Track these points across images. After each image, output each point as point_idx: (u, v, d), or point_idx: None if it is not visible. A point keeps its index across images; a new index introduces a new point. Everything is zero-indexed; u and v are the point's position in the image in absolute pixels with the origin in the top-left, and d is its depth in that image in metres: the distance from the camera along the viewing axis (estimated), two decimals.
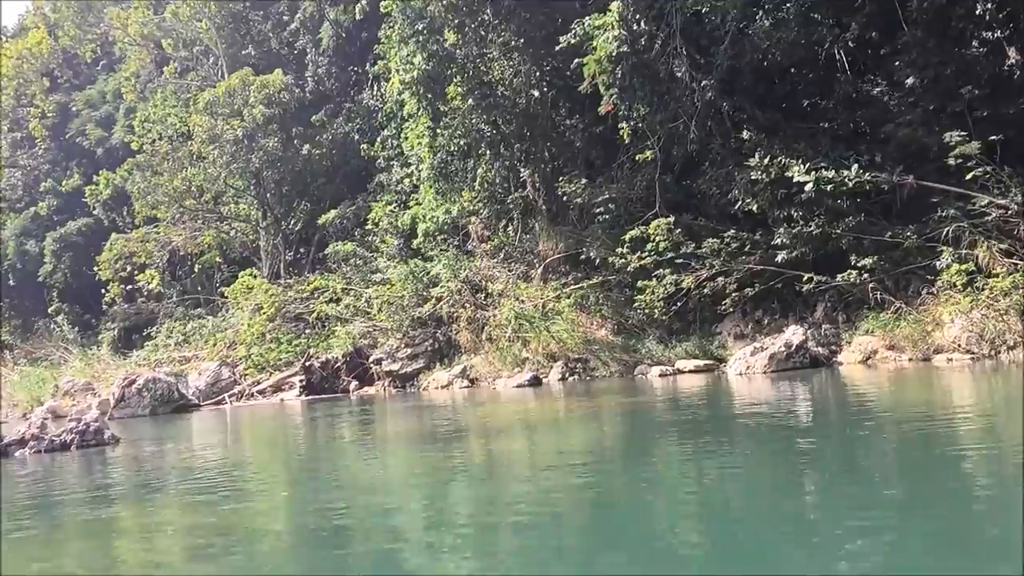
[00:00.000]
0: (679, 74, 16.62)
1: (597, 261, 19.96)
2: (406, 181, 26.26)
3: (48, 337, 41.64)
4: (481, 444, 10.51)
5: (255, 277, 28.63)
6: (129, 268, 36.23)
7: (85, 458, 12.05)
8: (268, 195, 32.04)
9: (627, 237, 16.97)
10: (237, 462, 11.16)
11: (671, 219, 16.78)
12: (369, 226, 27.28)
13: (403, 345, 23.63)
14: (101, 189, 39.70)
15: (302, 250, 33.00)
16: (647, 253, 16.74)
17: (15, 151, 46.77)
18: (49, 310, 42.95)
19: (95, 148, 43.98)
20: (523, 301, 20.89)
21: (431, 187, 20.57)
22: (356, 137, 31.87)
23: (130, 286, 37.67)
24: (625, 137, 16.87)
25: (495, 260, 22.18)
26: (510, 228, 22.93)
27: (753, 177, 15.63)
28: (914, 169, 15.71)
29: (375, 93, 31.62)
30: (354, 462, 10.16)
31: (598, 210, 18.39)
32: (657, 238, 16.67)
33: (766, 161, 15.44)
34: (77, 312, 42.52)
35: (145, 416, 22.25)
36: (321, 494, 7.75)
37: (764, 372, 14.95)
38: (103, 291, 37.83)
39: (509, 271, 21.93)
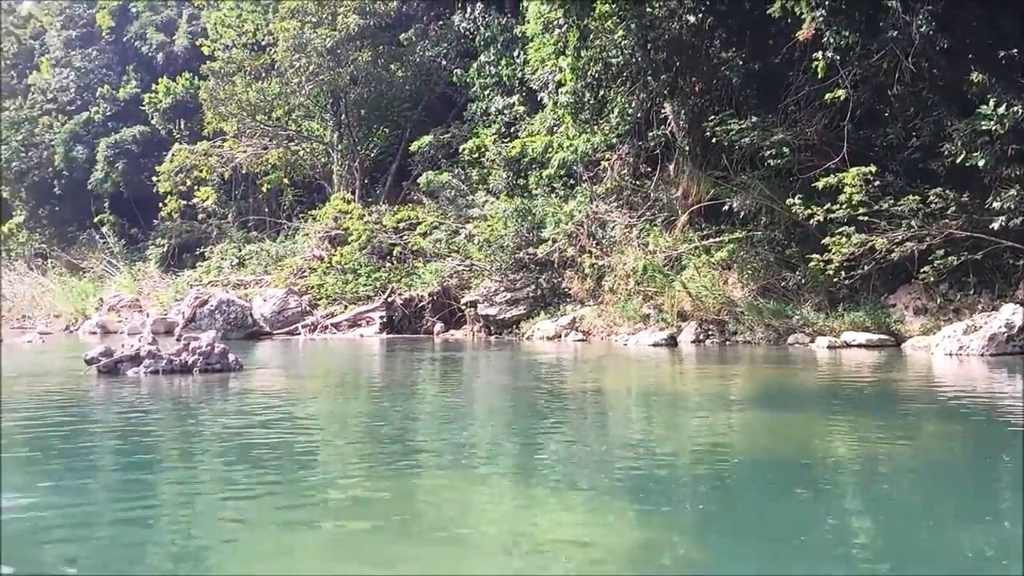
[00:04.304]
0: (891, 2, 14.22)
1: (742, 214, 17.74)
2: (519, 109, 23.92)
3: (91, 248, 39.70)
4: (660, 421, 8.13)
5: (349, 203, 26.41)
6: (188, 183, 34.17)
7: (223, 384, 10.08)
8: (347, 115, 29.75)
9: (819, 185, 14.65)
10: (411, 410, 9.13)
11: (871, 169, 14.47)
12: (465, 156, 25.02)
13: (502, 288, 21.58)
14: (160, 97, 37.46)
15: (366, 180, 30.63)
16: (840, 206, 14.46)
17: (68, 51, 44.20)
18: (95, 220, 40.73)
19: (154, 54, 41.49)
20: (653, 251, 18.72)
21: (569, 115, 18.23)
22: (443, 63, 29.51)
23: (184, 202, 35.66)
24: (820, 70, 14.52)
25: (621, 202, 19.96)
26: (626, 169, 20.63)
27: (984, 127, 13.31)
28: None
29: (468, 16, 29.20)
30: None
31: (769, 152, 16.06)
32: (851, 190, 14.39)
33: (1002, 110, 13.12)
34: (123, 225, 40.47)
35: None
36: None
37: (981, 355, 12.79)
38: (158, 204, 35.79)
39: (635, 216, 19.72)
